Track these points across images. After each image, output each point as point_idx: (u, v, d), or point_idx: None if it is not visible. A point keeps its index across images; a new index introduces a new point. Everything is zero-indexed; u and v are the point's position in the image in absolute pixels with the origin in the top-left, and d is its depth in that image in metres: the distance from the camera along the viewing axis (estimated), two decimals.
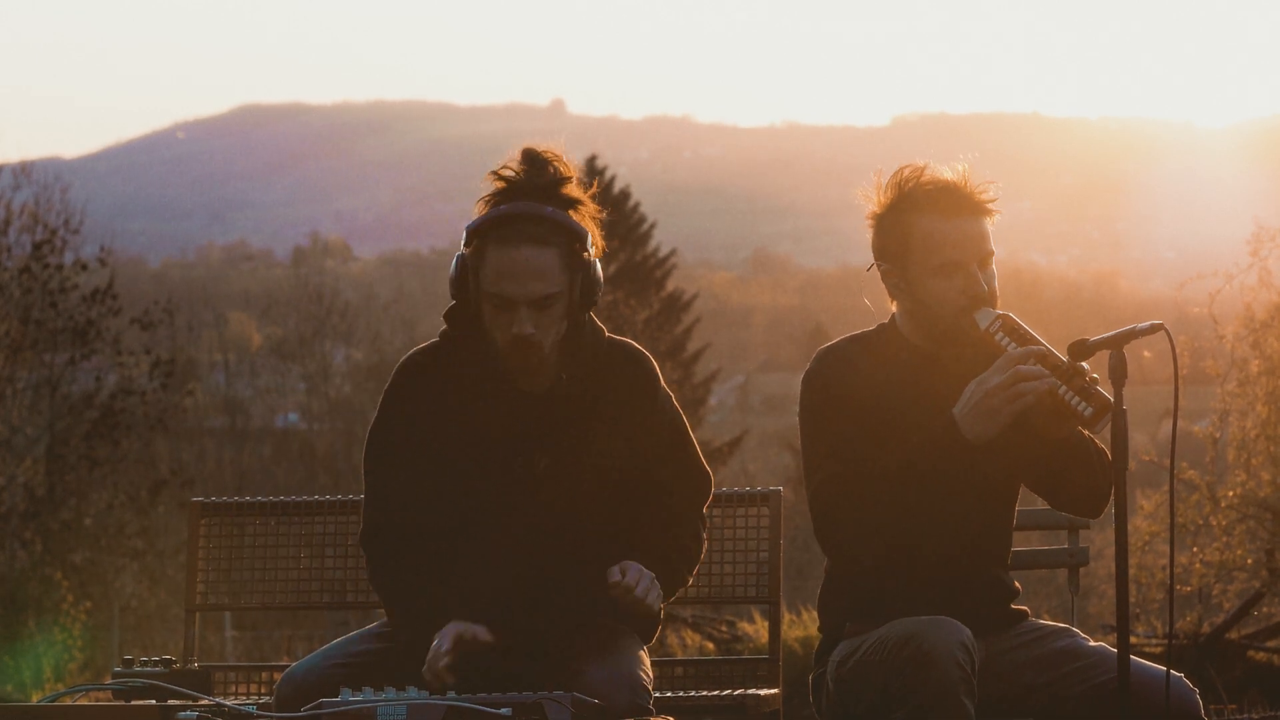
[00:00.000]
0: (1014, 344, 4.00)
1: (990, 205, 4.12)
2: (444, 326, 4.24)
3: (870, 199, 4.17)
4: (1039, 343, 3.99)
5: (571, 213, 4.14)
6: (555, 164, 4.17)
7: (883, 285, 4.20)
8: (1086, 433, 4.09)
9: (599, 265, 4.15)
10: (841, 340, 4.23)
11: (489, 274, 4.09)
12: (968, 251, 4.08)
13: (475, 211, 4.14)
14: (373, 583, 4.25)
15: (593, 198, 4.20)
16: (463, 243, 4.13)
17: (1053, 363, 3.95)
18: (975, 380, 3.98)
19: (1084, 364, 3.95)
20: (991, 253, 4.11)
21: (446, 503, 4.20)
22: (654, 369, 4.28)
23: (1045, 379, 3.92)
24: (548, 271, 4.07)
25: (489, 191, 4.15)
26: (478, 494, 4.21)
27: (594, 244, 4.15)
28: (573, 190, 4.16)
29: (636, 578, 4.04)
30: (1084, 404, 3.91)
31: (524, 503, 4.18)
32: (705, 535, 4.33)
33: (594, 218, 4.18)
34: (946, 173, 4.12)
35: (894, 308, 4.21)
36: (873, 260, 4.19)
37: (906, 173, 4.14)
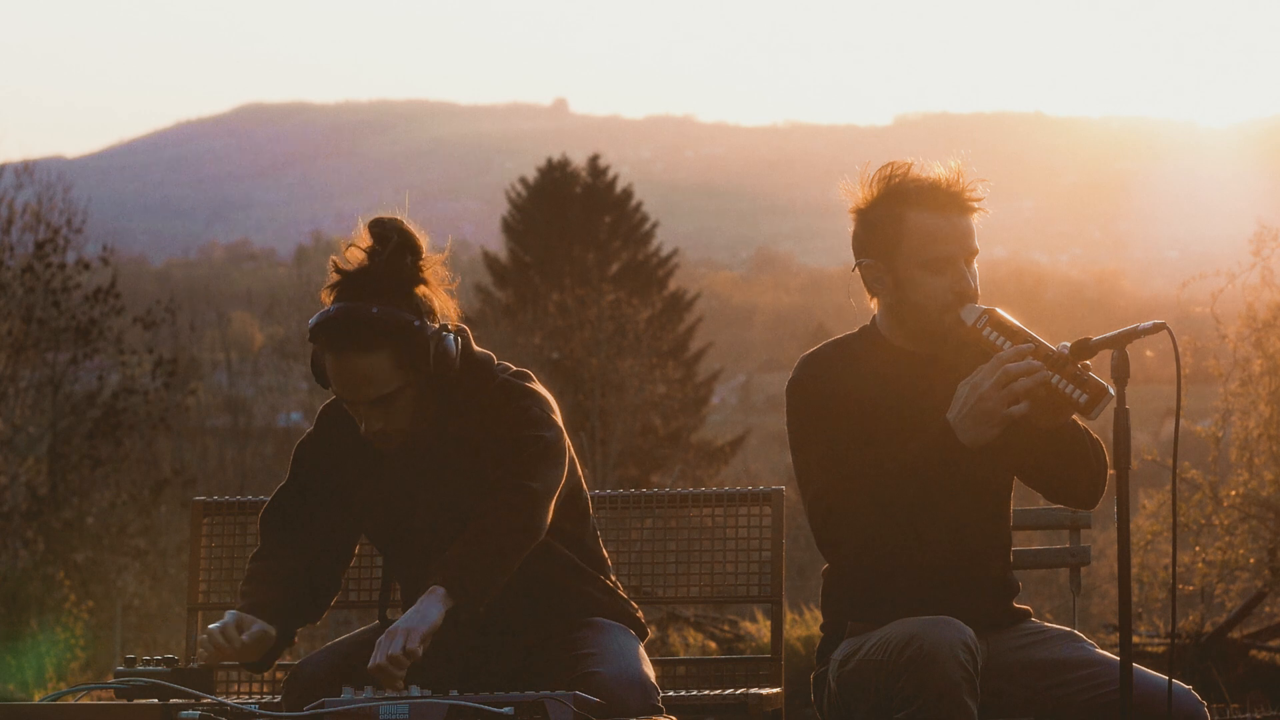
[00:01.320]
0: (1001, 338, 3.96)
1: (980, 205, 4.09)
2: None
3: (854, 194, 4.12)
4: (1028, 335, 3.96)
5: (421, 289, 4.05)
6: (398, 234, 4.04)
7: (863, 283, 4.14)
8: (1081, 421, 4.06)
9: (447, 336, 4.04)
10: (824, 345, 4.19)
11: (330, 376, 4.06)
12: (960, 248, 4.05)
13: (321, 300, 4.08)
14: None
15: (446, 263, 4.09)
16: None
17: (1044, 354, 3.92)
18: (965, 383, 3.94)
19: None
20: (977, 251, 4.09)
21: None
22: (533, 406, 4.10)
23: (1037, 372, 3.89)
24: (379, 376, 4.00)
25: (329, 282, 4.07)
26: (383, 549, 4.31)
27: (443, 314, 4.07)
28: (421, 262, 4.05)
29: (382, 661, 3.82)
30: (1079, 391, 3.88)
31: (420, 568, 4.14)
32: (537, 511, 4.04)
33: (444, 283, 4.10)
34: (939, 169, 4.09)
35: (874, 306, 4.16)
36: (855, 258, 4.13)
37: (894, 168, 4.10)
